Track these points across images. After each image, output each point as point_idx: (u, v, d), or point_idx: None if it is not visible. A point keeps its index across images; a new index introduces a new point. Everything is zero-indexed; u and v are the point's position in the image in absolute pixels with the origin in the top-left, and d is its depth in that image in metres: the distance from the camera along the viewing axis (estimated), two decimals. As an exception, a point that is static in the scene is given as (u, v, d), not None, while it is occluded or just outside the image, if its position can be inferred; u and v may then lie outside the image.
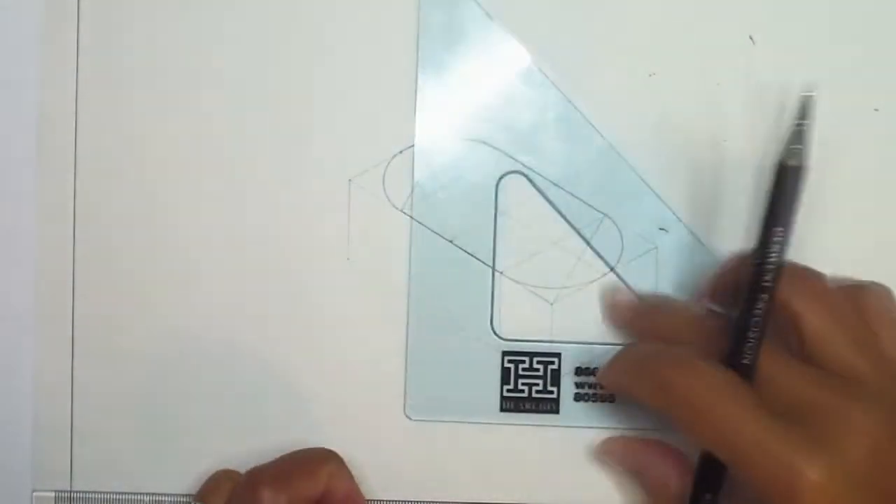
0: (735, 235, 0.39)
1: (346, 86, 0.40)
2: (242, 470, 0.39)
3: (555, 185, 0.39)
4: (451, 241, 0.39)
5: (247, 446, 0.40)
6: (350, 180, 0.40)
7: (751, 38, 0.39)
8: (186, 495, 0.40)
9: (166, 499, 0.40)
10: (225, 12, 0.40)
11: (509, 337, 0.40)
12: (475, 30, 0.39)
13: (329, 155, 0.40)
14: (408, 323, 0.40)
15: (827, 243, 0.39)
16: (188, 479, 0.40)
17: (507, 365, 0.40)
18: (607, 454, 0.40)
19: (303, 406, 0.40)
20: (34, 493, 0.40)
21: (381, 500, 0.40)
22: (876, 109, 0.39)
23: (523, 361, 0.40)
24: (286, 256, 0.40)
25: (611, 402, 0.40)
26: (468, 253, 0.39)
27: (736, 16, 0.39)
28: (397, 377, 0.40)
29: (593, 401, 0.40)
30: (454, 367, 0.40)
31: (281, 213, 0.40)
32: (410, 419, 0.40)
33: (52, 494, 0.40)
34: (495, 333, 0.40)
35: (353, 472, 0.38)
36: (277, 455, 0.38)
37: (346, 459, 0.38)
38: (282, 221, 0.40)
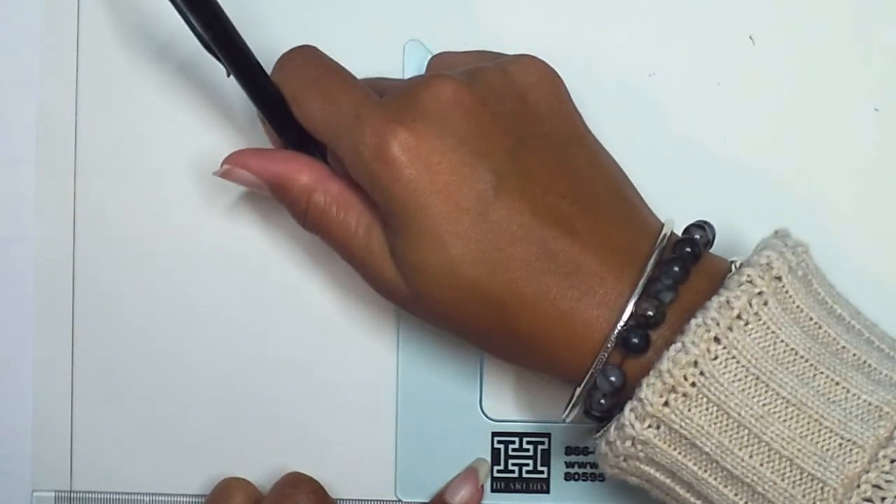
0: (734, 235, 0.39)
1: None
2: (243, 473, 0.39)
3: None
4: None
5: (246, 446, 0.40)
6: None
7: (751, 38, 0.39)
8: (186, 495, 0.40)
9: (166, 499, 0.40)
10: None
11: (498, 418, 0.40)
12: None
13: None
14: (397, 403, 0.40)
15: (827, 243, 0.39)
16: (188, 479, 0.40)
17: (496, 446, 0.40)
18: (241, 166, 0.36)
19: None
20: (34, 493, 0.40)
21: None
22: (876, 109, 0.39)
23: (513, 442, 0.40)
24: (285, 255, 0.40)
25: (601, 481, 0.39)
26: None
27: (736, 16, 0.39)
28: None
29: (584, 480, 0.39)
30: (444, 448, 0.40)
31: (281, 214, 0.40)
32: (402, 501, 0.40)
33: (52, 494, 0.40)
34: (484, 414, 0.40)
35: None
36: (275, 455, 0.39)
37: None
38: (281, 222, 0.40)
